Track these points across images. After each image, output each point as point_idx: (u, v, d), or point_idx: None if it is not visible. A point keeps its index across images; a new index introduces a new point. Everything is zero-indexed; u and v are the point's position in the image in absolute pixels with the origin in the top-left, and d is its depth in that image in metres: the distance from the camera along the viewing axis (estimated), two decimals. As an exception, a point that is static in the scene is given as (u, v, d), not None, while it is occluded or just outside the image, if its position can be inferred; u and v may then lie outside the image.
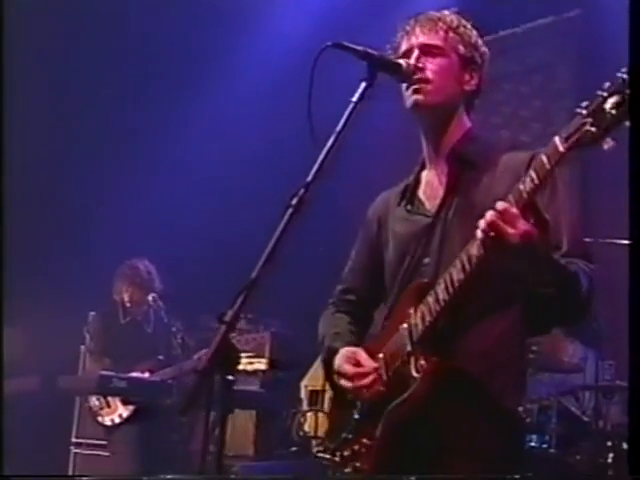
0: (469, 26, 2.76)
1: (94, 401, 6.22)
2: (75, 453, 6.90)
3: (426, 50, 2.68)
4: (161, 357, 6.38)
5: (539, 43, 8.36)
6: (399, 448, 2.53)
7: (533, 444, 4.83)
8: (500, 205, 2.23)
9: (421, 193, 2.78)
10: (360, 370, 2.66)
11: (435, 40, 2.69)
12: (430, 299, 2.48)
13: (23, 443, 6.19)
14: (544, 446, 4.81)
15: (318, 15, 7.34)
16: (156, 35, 7.50)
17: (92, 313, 6.81)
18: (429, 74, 2.65)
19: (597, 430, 4.81)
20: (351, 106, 2.29)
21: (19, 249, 7.13)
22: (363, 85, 2.34)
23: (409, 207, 2.78)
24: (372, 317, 2.97)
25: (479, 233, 2.26)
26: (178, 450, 6.41)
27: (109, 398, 6.17)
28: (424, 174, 2.81)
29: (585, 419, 4.93)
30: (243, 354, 6.55)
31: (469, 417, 2.51)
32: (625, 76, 2.00)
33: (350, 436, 2.69)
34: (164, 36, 7.60)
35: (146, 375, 6.27)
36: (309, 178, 2.17)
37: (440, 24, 2.71)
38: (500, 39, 8.58)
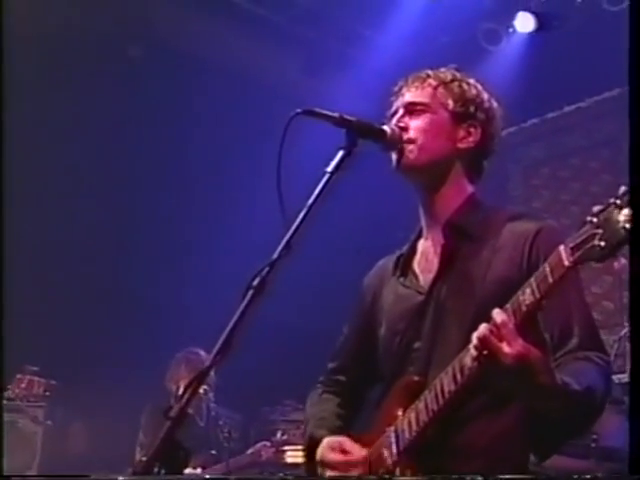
0: (469, 81, 2.56)
1: (145, 499, 6.03)
2: None
3: (411, 109, 2.50)
4: (214, 452, 6.15)
5: (605, 116, 8.14)
6: None
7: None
8: (498, 317, 2.02)
9: (416, 264, 2.56)
10: (348, 458, 2.43)
11: (421, 97, 2.51)
12: (420, 405, 2.28)
13: None
14: None
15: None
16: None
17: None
18: (412, 133, 2.46)
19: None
20: (326, 177, 2.10)
21: (79, 343, 7.14)
22: (340, 154, 2.15)
23: (402, 279, 2.56)
24: (364, 399, 2.75)
25: (472, 349, 2.06)
26: None
27: (161, 495, 5.96)
28: (420, 243, 2.59)
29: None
30: (299, 446, 6.30)
31: None
32: None
33: None
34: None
35: (198, 471, 6.05)
36: (274, 256, 1.97)
37: (429, 80, 2.53)
38: (565, 115, 8.43)
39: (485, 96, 2.56)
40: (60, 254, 6.98)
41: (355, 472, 2.40)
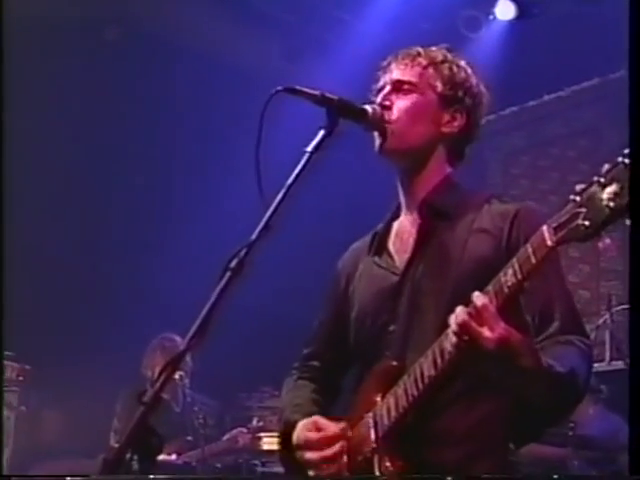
0: (460, 63, 2.50)
1: (119, 485, 5.97)
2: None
3: (398, 87, 2.43)
4: (190, 438, 6.10)
5: (584, 106, 8.14)
6: None
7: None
8: (478, 300, 1.97)
9: (390, 244, 2.49)
10: (324, 434, 2.37)
11: (409, 76, 2.43)
12: (399, 390, 2.23)
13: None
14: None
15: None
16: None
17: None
18: (396, 113, 2.39)
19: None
20: (306, 156, 2.05)
21: (54, 328, 7.06)
22: (321, 133, 2.10)
23: (376, 259, 2.50)
24: (339, 384, 2.69)
25: (451, 335, 2.00)
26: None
27: (134, 481, 5.90)
28: (396, 223, 2.53)
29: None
30: (275, 433, 6.26)
31: None
32: (627, 160, 1.73)
33: None
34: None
35: (173, 457, 6.00)
36: (253, 237, 1.92)
37: (420, 59, 2.46)
38: (545, 103, 8.41)
39: (474, 81, 2.50)
40: (33, 238, 6.89)
41: (333, 447, 2.34)
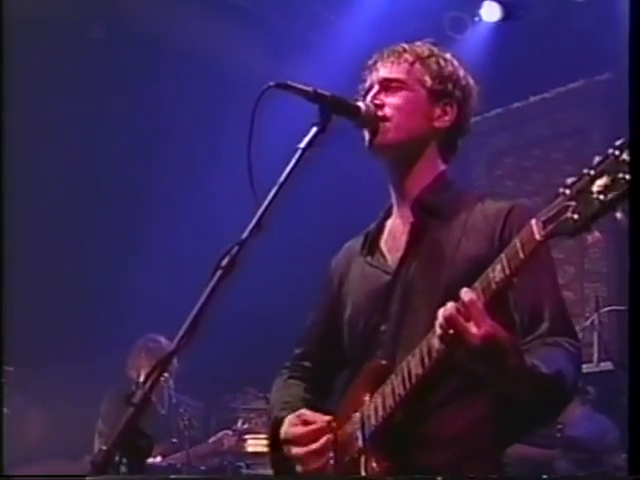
0: (446, 57, 2.49)
1: (103, 488, 5.92)
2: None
3: (386, 85, 2.42)
4: (175, 440, 6.05)
5: (569, 107, 8.15)
6: None
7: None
8: (466, 296, 1.94)
9: (383, 243, 2.48)
10: (310, 428, 2.35)
11: (396, 73, 2.42)
12: (387, 389, 2.20)
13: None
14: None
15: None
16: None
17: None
18: (387, 111, 2.37)
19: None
20: (298, 153, 2.02)
21: (38, 329, 7.00)
22: (314, 130, 2.07)
23: (369, 258, 2.48)
24: (330, 385, 2.66)
25: (437, 328, 1.98)
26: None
27: (118, 485, 5.85)
28: (389, 222, 2.51)
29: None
30: (261, 435, 6.23)
31: None
32: (617, 152, 1.70)
33: None
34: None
35: (158, 459, 5.96)
36: (245, 235, 1.89)
37: (406, 55, 2.45)
38: (530, 105, 8.41)
39: (461, 73, 2.50)
40: (15, 237, 6.82)
41: (319, 441, 2.32)
